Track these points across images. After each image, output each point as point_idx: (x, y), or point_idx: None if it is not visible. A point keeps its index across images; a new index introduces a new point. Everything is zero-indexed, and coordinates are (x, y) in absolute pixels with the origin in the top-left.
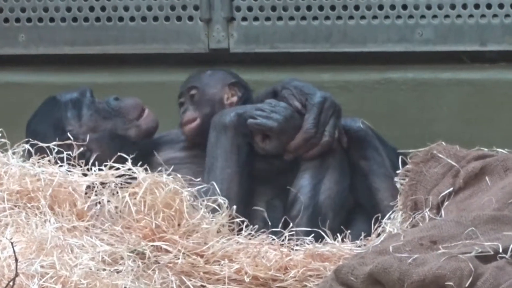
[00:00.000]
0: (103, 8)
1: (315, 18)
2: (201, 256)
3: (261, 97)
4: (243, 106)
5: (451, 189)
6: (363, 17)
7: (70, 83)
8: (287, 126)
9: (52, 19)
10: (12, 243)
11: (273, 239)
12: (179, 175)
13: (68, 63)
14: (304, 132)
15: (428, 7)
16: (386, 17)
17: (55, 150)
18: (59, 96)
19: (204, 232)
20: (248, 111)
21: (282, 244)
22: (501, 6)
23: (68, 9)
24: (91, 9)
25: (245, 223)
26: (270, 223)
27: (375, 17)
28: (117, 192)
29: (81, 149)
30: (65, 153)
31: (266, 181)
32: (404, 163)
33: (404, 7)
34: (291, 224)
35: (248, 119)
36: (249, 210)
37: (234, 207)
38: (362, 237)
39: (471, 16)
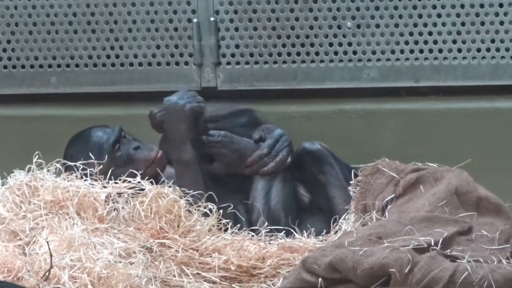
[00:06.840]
0: (117, 56)
1: (284, 62)
2: (196, 250)
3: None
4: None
5: (393, 195)
6: (322, 61)
7: (91, 115)
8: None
9: (77, 65)
10: (47, 242)
11: (252, 236)
12: (177, 187)
13: (90, 100)
14: (259, 150)
15: (373, 52)
16: (340, 60)
17: (81, 168)
18: (93, 133)
19: (198, 232)
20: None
21: (260, 239)
22: (431, 51)
23: (90, 57)
24: (108, 56)
25: (229, 224)
26: (243, 222)
27: (331, 60)
28: (130, 201)
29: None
30: (88, 170)
31: (231, 194)
32: (356, 175)
33: (354, 52)
34: (265, 224)
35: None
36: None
37: (221, 211)
38: (323, 234)
39: (407, 59)
